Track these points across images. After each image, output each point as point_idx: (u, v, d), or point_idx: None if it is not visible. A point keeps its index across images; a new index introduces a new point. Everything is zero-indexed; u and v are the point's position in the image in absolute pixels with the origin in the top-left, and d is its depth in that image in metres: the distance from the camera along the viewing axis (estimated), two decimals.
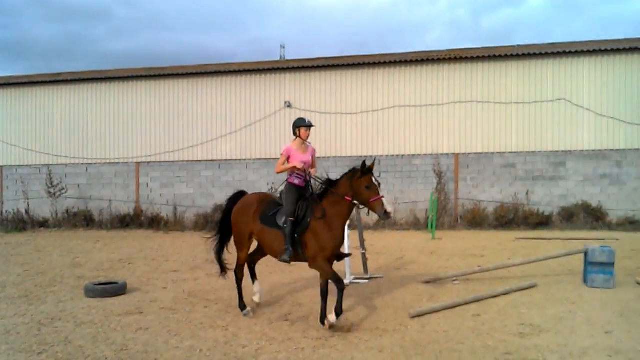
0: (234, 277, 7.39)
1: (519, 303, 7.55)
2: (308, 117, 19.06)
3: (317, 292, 8.37)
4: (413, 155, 19.12)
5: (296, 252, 6.61)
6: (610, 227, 16.85)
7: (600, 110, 17.89)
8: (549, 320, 6.73)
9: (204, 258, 11.72)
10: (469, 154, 18.78)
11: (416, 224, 18.06)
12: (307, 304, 7.76)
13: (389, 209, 6.30)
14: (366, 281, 9.05)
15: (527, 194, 18.16)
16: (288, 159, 6.98)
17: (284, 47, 26.56)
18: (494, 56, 18.57)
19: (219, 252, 7.59)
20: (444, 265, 10.65)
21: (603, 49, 17.97)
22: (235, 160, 20.19)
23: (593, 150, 17.96)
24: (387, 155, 19.15)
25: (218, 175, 20.33)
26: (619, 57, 17.95)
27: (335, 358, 5.51)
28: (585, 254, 8.60)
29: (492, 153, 18.61)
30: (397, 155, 19.14)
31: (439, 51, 19.10)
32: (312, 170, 7.11)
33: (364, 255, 9.55)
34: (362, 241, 9.64)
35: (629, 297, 7.79)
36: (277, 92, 20.05)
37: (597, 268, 8.36)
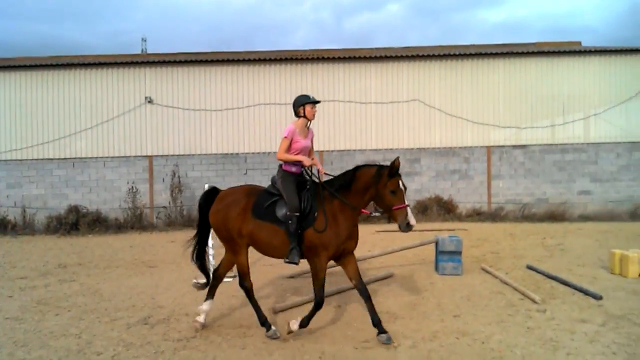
0: (244, 292, 6.35)
1: (377, 292, 7.91)
2: (170, 114, 18.66)
3: (179, 293, 8.19)
4: None
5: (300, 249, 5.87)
6: (460, 218, 18.20)
7: (450, 111, 19.26)
8: (404, 307, 7.13)
9: (56, 263, 10.94)
10: (332, 151, 19.32)
11: None
12: (168, 305, 7.54)
13: (412, 221, 5.63)
14: (230, 280, 8.99)
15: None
16: (290, 143, 6.12)
17: (145, 41, 25.65)
18: (355, 57, 19.28)
19: (202, 259, 6.68)
20: None
21: (452, 53, 19.37)
22: (92, 158, 19.05)
23: (444, 148, 19.30)
24: (253, 153, 19.15)
25: (72, 174, 19.05)
26: (466, 62, 19.43)
27: (197, 359, 5.41)
28: (436, 243, 9.23)
29: (354, 150, 19.30)
30: (264, 153, 19.20)
31: (303, 50, 19.48)
32: (320, 168, 6.27)
33: None
34: None
35: (475, 282, 8.48)
36: (136, 86, 19.21)
37: (447, 256, 9.02)
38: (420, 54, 19.29)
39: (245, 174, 19.00)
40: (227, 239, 6.22)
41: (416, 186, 19.22)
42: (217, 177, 18.94)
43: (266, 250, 6.14)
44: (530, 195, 19.13)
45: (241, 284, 6.28)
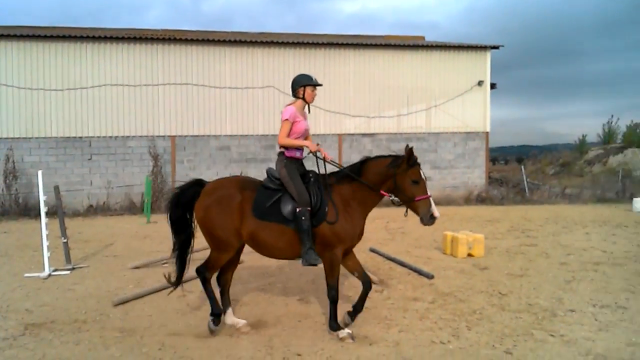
0: (200, 278, 5.67)
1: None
2: (3, 93, 16.95)
3: (8, 288, 7.51)
4: (128, 137, 18.37)
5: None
6: None
7: None
8: (251, 293, 7.17)
9: None
10: (185, 136, 18.83)
11: (131, 208, 17.48)
12: None
13: (436, 212, 5.27)
14: (68, 272, 8.42)
15: (241, 175, 19.01)
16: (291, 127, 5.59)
17: None
18: (209, 40, 18.87)
19: (182, 267, 5.78)
20: (156, 249, 10.50)
21: (305, 42, 19.69)
22: None
23: None
24: (98, 137, 18.06)
25: None
26: (319, 51, 19.85)
27: (24, 358, 5.01)
28: None
29: (208, 136, 18.97)
30: (110, 137, 18.18)
31: (154, 30, 18.69)
32: (326, 154, 5.68)
33: (65, 244, 8.85)
34: (63, 229, 8.91)
35: (321, 265, 8.71)
36: None
37: None
38: (275, 41, 19.38)
39: (90, 159, 17.90)
40: (216, 238, 5.46)
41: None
42: (57, 162, 17.64)
43: (270, 252, 5.54)
44: None
45: (202, 271, 5.61)
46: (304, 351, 5.13)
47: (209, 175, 18.82)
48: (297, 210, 5.26)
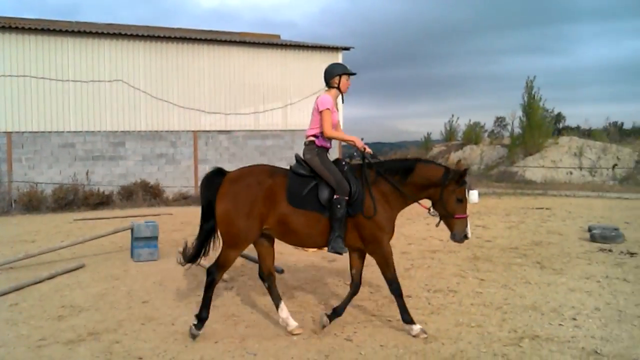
0: (207, 280, 5.27)
1: (63, 286, 7.36)
2: None
3: None
4: None
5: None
6: (167, 203, 18.12)
7: (156, 94, 18.94)
8: (91, 298, 6.77)
9: None
10: (23, 132, 17.34)
11: None
12: None
13: (469, 233, 5.42)
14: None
15: (87, 174, 17.93)
16: None
17: None
18: (50, 30, 17.51)
19: (199, 249, 5.50)
20: None
21: (157, 35, 19.02)
22: None
23: (150, 131, 18.93)
24: None
25: None
26: (172, 45, 19.28)
27: None
28: (132, 230, 8.99)
29: (50, 132, 17.64)
30: None
31: None
32: (368, 149, 5.49)
33: None
34: None
35: (170, 266, 8.49)
36: None
37: (142, 242, 8.85)
38: (124, 33, 18.50)
39: None
40: (232, 226, 5.16)
41: (121, 171, 18.49)
42: None
43: (300, 239, 5.44)
44: None
45: (212, 272, 5.26)
46: (146, 354, 4.95)
47: (51, 174, 17.52)
48: (335, 197, 5.16)
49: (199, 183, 5.17)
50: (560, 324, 5.65)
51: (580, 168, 29.15)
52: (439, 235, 11.27)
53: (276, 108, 20.94)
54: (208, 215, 5.41)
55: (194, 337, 5.25)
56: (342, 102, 5.85)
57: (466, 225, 5.37)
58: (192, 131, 19.54)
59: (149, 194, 18.02)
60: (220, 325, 5.71)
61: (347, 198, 5.18)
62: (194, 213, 15.39)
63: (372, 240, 5.30)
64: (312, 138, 5.55)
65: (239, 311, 6.21)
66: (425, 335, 5.23)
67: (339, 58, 21.61)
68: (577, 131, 39.16)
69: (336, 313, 5.49)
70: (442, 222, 5.55)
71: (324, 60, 21.53)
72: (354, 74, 5.73)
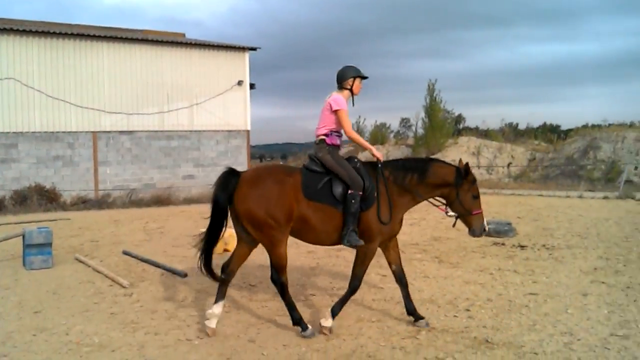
0: (277, 289, 5.45)
1: None
2: None
3: None
4: None
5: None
6: (64, 207, 17.23)
7: (51, 93, 17.97)
8: None
9: None
10: None
11: None
12: None
13: (487, 226, 5.66)
14: None
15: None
16: None
17: None
18: None
19: (208, 261, 5.52)
20: None
21: (52, 31, 18.05)
22: None
23: (45, 132, 17.93)
24: None
25: None
26: (69, 42, 18.37)
27: None
28: (23, 236, 8.48)
29: None
30: None
31: None
32: (380, 156, 5.64)
33: None
34: None
35: (66, 274, 8.09)
36: None
37: (35, 250, 8.37)
38: (17, 28, 17.41)
39: None
40: (266, 227, 5.22)
41: (14, 174, 17.42)
42: None
43: (315, 236, 5.47)
44: (137, 180, 19.40)
45: (277, 279, 5.38)
46: None
47: None
48: (349, 192, 5.26)
49: (215, 183, 5.07)
50: (455, 316, 5.92)
51: (478, 167, 30.68)
52: None
53: (182, 108, 20.48)
54: (221, 216, 5.41)
55: (313, 334, 5.26)
56: (353, 104, 5.87)
57: (483, 220, 5.61)
58: (91, 132, 18.71)
59: (44, 198, 17.05)
60: (118, 333, 5.51)
61: (361, 193, 5.29)
62: (94, 217, 14.79)
63: (367, 236, 5.38)
64: (322, 137, 5.62)
65: (138, 318, 6.00)
66: (329, 329, 5.35)
67: (245, 58, 21.47)
68: (476, 131, 41.22)
69: (408, 311, 5.66)
70: (458, 221, 5.80)
71: (230, 60, 21.33)
72: (366, 77, 5.79)
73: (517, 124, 46.24)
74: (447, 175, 5.51)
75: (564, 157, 29.11)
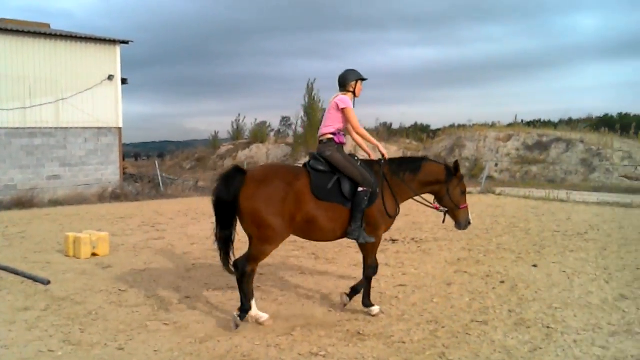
0: (237, 275, 5.48)
1: None
2: None
3: None
4: None
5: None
6: None
7: None
8: None
9: None
10: None
11: None
12: None
13: (471, 219, 6.10)
14: None
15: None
16: None
17: None
18: None
19: (226, 262, 5.56)
20: None
21: None
22: None
23: None
24: None
25: None
26: None
27: None
28: None
29: None
30: None
31: None
32: (385, 153, 5.99)
33: None
34: None
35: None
36: None
37: None
38: None
39: None
40: (268, 227, 5.30)
41: None
42: None
43: (323, 234, 5.65)
44: None
45: (242, 267, 5.43)
46: None
47: None
48: (361, 190, 5.51)
49: (218, 179, 5.53)
50: (329, 310, 6.06)
51: None
52: None
53: (46, 103, 19.06)
54: (227, 213, 5.41)
55: (237, 326, 5.36)
56: (354, 105, 6.01)
57: (468, 214, 6.02)
58: None
59: None
60: None
61: (370, 190, 5.56)
62: None
63: (373, 228, 5.70)
64: (330, 135, 5.80)
65: None
66: (383, 314, 5.82)
67: (116, 52, 20.44)
68: None
69: (355, 291, 6.03)
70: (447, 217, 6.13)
71: (100, 54, 20.22)
72: (366, 79, 6.08)
73: (390, 124, 48.25)
74: (438, 172, 5.93)
75: (433, 155, 30.81)
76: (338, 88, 6.06)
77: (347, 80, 5.99)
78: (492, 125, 33.49)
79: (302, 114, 33.23)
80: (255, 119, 40.08)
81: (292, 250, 9.35)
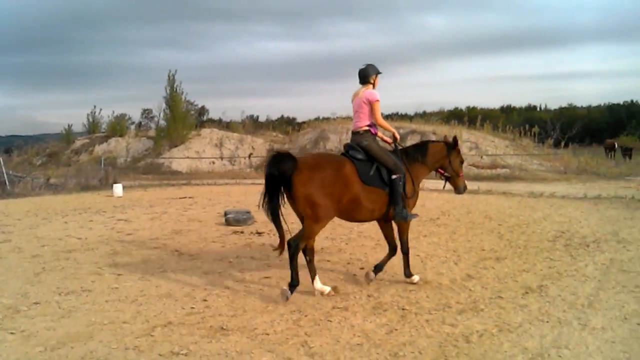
0: (291, 249, 6.02)
1: None
2: None
3: None
4: None
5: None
6: None
7: None
8: None
9: None
10: None
11: None
12: None
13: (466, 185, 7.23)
14: None
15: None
16: None
17: None
18: None
19: (282, 238, 6.09)
20: None
21: None
22: None
23: None
24: None
25: None
26: None
27: None
28: None
29: None
30: None
31: None
32: (398, 137, 6.98)
33: None
34: None
35: None
36: None
37: None
38: None
39: None
40: (320, 207, 5.92)
41: None
42: None
43: (364, 214, 6.38)
44: None
45: (295, 243, 6.01)
46: None
47: None
48: (395, 176, 6.32)
49: (269, 160, 6.06)
50: (192, 307, 5.92)
51: (222, 158, 31.29)
52: (77, 233, 10.70)
53: None
54: (275, 187, 5.94)
55: (286, 299, 6.02)
56: None
57: (464, 181, 7.14)
58: None
59: None
60: None
61: (403, 175, 6.39)
62: None
63: (379, 212, 6.49)
64: (366, 127, 6.53)
65: None
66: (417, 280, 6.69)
67: None
68: (218, 123, 41.90)
69: (378, 269, 6.84)
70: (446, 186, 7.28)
71: None
72: (382, 72, 6.73)
73: (257, 117, 48.37)
74: (441, 149, 6.94)
75: (299, 148, 31.32)
76: (358, 81, 6.71)
77: (369, 74, 6.63)
78: None
79: (164, 106, 32.16)
80: (113, 112, 38.14)
81: (154, 249, 9.03)
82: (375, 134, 6.62)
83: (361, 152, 6.43)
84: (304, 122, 41.84)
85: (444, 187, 7.52)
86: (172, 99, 31.47)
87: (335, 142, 30.33)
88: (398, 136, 6.94)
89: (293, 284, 6.03)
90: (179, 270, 7.57)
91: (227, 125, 38.76)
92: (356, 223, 8.80)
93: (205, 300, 6.15)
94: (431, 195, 16.63)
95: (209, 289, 6.57)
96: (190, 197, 16.89)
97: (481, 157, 26.09)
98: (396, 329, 5.15)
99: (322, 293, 6.21)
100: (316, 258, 8.06)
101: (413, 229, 10.44)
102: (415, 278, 6.68)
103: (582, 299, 6.01)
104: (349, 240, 9.48)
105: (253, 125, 41.49)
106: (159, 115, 34.19)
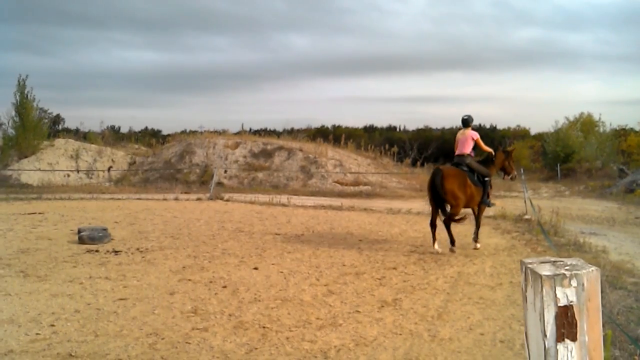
0: (446, 222, 9.91)
1: None
2: None
3: None
4: None
5: None
6: None
7: None
8: None
9: None
10: None
11: None
12: None
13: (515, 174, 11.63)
14: None
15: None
16: None
17: None
18: None
19: (448, 223, 10.00)
20: None
21: None
22: None
23: None
24: None
25: None
26: None
27: None
28: None
29: None
30: None
31: None
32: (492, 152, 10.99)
33: None
34: None
35: None
36: None
37: None
38: None
39: None
40: (458, 199, 9.67)
41: None
42: None
43: (471, 202, 10.12)
44: None
45: (451, 216, 9.75)
46: None
47: None
48: (486, 179, 10.29)
49: (433, 175, 10.00)
50: (37, 333, 5.46)
51: (78, 171, 29.40)
52: None
53: None
54: (437, 193, 9.77)
55: (453, 251, 9.88)
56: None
57: (514, 173, 11.39)
58: None
59: None
60: None
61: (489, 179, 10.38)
62: None
63: (477, 201, 10.26)
64: (469, 152, 10.19)
65: None
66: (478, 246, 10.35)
67: None
68: (75, 134, 39.38)
69: (474, 239, 10.40)
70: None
71: None
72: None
73: (119, 127, 46.14)
74: (503, 156, 10.90)
75: (163, 161, 30.34)
76: (462, 125, 10.47)
77: (470, 122, 10.40)
78: (222, 133, 34.43)
79: (13, 113, 29.62)
80: None
81: None
82: (472, 156, 10.35)
83: (466, 166, 10.06)
84: (169, 135, 40.64)
85: (503, 177, 11.66)
86: (22, 106, 29.09)
87: (202, 156, 29.77)
88: (493, 153, 10.80)
89: (453, 242, 9.89)
90: (23, 293, 6.95)
91: (85, 136, 36.56)
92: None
93: (52, 325, 5.70)
94: (296, 211, 16.89)
95: (58, 314, 6.09)
96: (40, 213, 15.63)
97: (345, 174, 27.01)
98: (256, 348, 5.13)
99: (437, 251, 9.91)
100: (177, 277, 7.88)
101: (278, 245, 10.52)
102: (479, 245, 10.24)
103: (432, 310, 6.40)
104: (212, 258, 9.31)
105: (114, 136, 39.52)
106: (7, 123, 31.42)
